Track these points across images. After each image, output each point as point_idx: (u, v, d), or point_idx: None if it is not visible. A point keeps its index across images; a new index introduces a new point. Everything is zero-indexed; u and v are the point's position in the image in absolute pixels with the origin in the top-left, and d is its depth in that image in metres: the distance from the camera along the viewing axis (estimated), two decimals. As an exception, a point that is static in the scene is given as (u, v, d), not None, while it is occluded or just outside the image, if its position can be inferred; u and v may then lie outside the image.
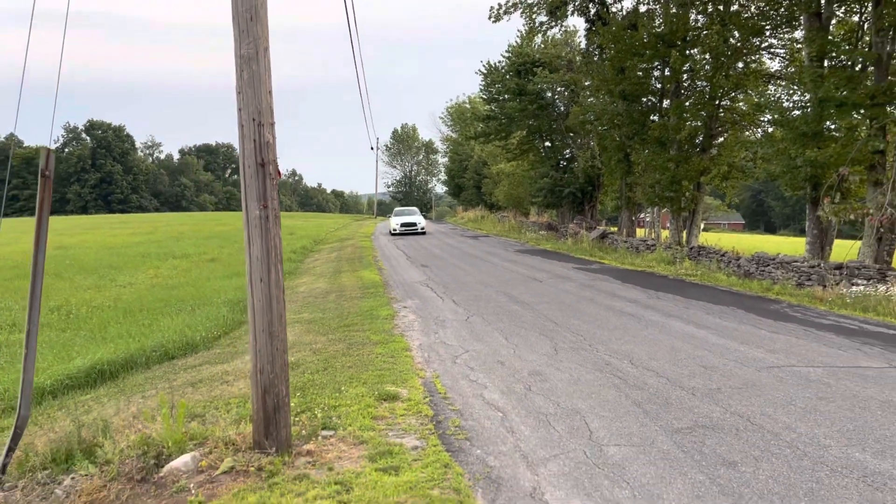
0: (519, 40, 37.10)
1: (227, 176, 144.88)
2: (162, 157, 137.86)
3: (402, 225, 38.09)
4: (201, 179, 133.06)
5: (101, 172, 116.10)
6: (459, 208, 74.18)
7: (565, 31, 36.03)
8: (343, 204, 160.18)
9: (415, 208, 45.43)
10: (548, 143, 38.73)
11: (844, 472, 4.68)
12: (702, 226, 31.49)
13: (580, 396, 6.57)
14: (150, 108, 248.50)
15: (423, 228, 38.42)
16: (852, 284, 14.00)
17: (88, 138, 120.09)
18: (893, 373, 7.37)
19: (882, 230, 15.93)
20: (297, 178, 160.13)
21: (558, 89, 35.68)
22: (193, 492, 4.59)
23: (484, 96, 41.28)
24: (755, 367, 7.63)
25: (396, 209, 44.81)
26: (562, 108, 35.96)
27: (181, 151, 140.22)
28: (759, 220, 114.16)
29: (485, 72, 38.58)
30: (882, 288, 13.09)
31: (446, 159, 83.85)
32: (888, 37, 16.59)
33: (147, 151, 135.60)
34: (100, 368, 9.42)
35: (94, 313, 14.80)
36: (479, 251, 26.03)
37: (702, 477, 4.62)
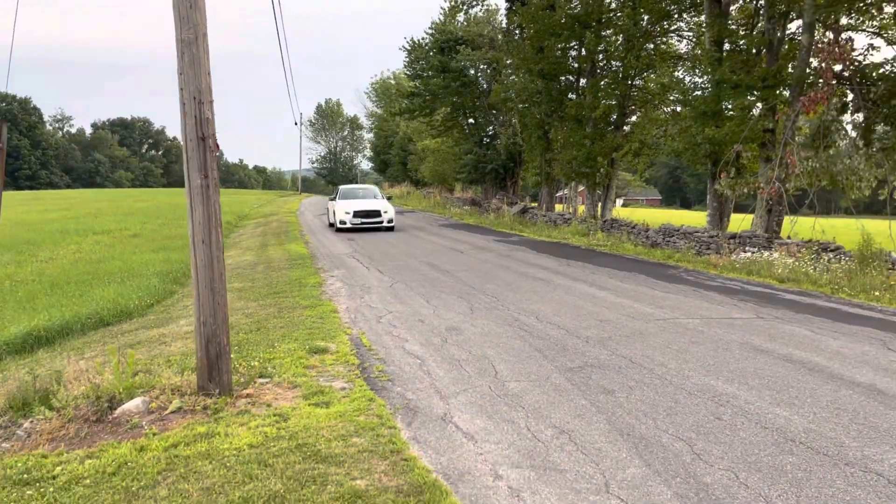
0: (442, 17, 37.59)
1: (143, 151, 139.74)
2: (73, 131, 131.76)
3: (357, 215, 24.06)
4: (116, 155, 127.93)
5: (7, 147, 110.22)
6: (385, 184, 74.31)
7: (487, 9, 36.81)
8: (266, 180, 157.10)
9: (373, 187, 30.37)
10: (471, 121, 39.47)
11: (699, 394, 5.70)
12: (619, 202, 33.18)
13: (490, 346, 7.44)
14: (59, 80, 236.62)
15: (390, 221, 24.45)
16: (743, 252, 15.44)
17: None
18: (757, 322, 8.56)
19: (771, 203, 17.44)
20: (217, 153, 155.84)
21: (481, 67, 36.41)
22: (146, 427, 5.20)
23: (408, 73, 41.44)
24: (644, 320, 8.68)
25: (343, 188, 28.14)
26: (485, 86, 36.74)
27: (94, 126, 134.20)
28: (676, 196, 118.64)
29: (409, 48, 38.88)
30: (766, 254, 14.54)
31: (371, 135, 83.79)
32: (779, 24, 18.07)
33: (56, 125, 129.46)
34: (36, 335, 9.75)
35: (19, 287, 14.83)
36: (405, 225, 26.72)
37: (584, 402, 5.55)
